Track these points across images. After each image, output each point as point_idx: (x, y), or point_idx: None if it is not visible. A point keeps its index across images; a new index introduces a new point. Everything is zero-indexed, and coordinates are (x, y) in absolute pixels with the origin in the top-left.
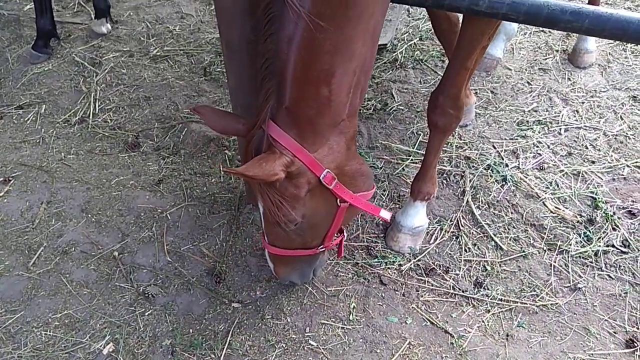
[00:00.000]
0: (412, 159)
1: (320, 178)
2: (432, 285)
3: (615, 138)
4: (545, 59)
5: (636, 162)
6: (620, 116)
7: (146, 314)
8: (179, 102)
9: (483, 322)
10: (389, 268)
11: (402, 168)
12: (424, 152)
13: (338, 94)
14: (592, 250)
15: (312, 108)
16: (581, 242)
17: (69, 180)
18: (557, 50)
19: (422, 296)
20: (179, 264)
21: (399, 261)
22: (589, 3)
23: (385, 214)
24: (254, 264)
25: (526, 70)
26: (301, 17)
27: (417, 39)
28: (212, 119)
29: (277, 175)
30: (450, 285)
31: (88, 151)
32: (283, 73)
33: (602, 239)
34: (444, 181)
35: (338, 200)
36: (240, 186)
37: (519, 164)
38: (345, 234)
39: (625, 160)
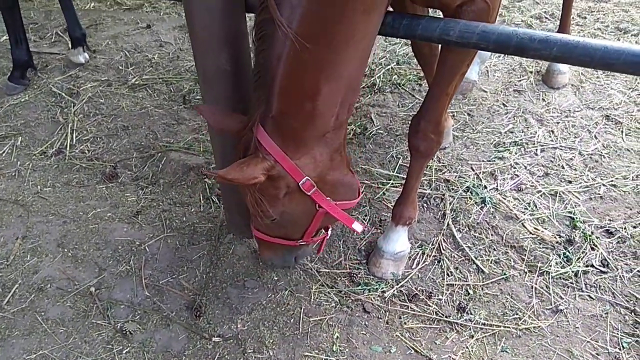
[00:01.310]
0: (392, 183)
1: (299, 184)
2: (416, 311)
3: (591, 157)
4: (520, 80)
5: (611, 180)
6: (595, 135)
7: (124, 351)
8: (157, 130)
9: (467, 348)
10: (372, 295)
11: (383, 192)
12: (405, 176)
13: (322, 109)
14: (572, 271)
15: (295, 120)
16: (561, 262)
17: (45, 214)
18: (531, 72)
19: (405, 323)
20: (158, 298)
21: (382, 287)
22: (559, 29)
23: (358, 227)
24: (235, 296)
25: (501, 92)
26: (289, 37)
27: (395, 63)
28: (213, 117)
29: (257, 179)
30: (433, 311)
31: (65, 183)
32: (271, 86)
33: (582, 259)
34: (425, 205)
35: (317, 205)
36: (220, 215)
37: (497, 186)
38: (329, 233)
39: (601, 179)
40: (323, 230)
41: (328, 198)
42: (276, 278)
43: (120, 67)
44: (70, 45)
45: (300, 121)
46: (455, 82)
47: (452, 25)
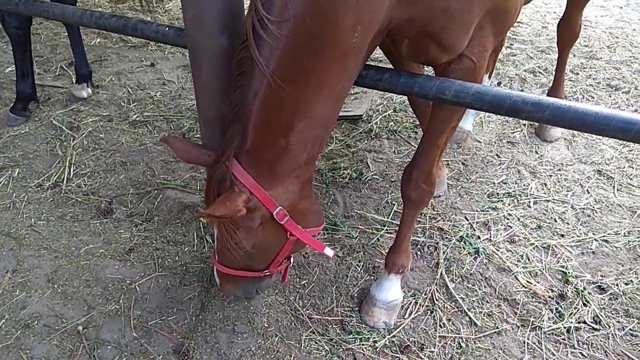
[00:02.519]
0: (386, 229)
1: (274, 214)
2: None
3: (583, 212)
4: (513, 132)
5: (603, 236)
6: (587, 190)
7: None
8: (155, 167)
9: None
10: (363, 344)
11: (377, 238)
12: (399, 223)
13: (295, 145)
14: (564, 327)
15: (269, 154)
16: (553, 318)
17: (37, 248)
18: (524, 124)
19: None
20: (145, 340)
21: (374, 337)
22: (552, 84)
23: (329, 252)
24: (224, 340)
25: (495, 143)
26: (266, 76)
27: (392, 110)
28: (180, 148)
29: (241, 212)
30: None
31: (59, 217)
32: (246, 121)
33: (574, 315)
34: (418, 252)
35: (288, 233)
36: None
37: (490, 236)
38: (291, 261)
39: (593, 234)
40: (286, 260)
41: (298, 226)
42: (267, 324)
43: (122, 103)
44: (74, 80)
45: (274, 155)
46: (445, 134)
47: (447, 85)
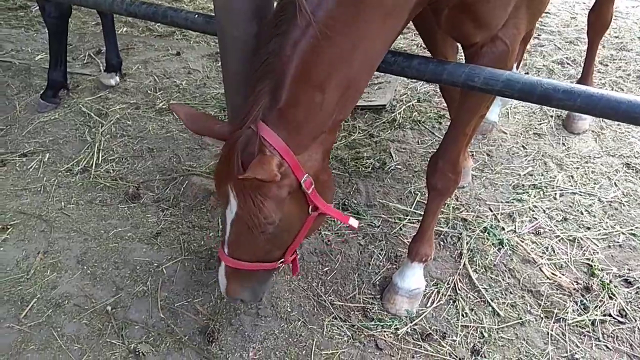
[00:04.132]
0: (409, 219)
1: (302, 182)
2: (429, 351)
3: (610, 205)
4: (540, 123)
5: (631, 229)
6: (615, 183)
7: None
8: (181, 154)
9: None
10: (385, 331)
11: (400, 227)
12: (422, 213)
13: (328, 104)
14: (589, 320)
15: (303, 112)
16: (578, 310)
17: (67, 230)
18: (551, 116)
19: None
20: (172, 321)
21: (396, 324)
22: (581, 75)
23: (354, 222)
24: (247, 323)
25: (521, 134)
26: (310, 25)
27: (415, 100)
28: (188, 118)
29: (277, 176)
30: (446, 352)
31: (88, 201)
32: (282, 73)
33: (599, 307)
34: (441, 242)
35: (310, 208)
36: None
37: (515, 228)
38: (298, 254)
39: (620, 227)
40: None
41: (321, 198)
42: (289, 309)
43: (149, 91)
44: (101, 68)
45: (306, 115)
46: (473, 123)
47: (477, 72)
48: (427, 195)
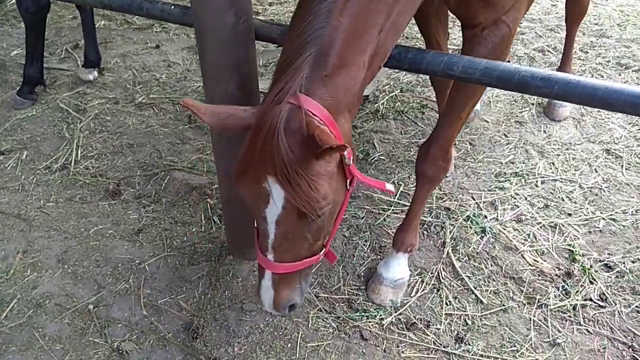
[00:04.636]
0: (393, 209)
1: (344, 154)
2: (414, 340)
3: (591, 191)
4: (521, 111)
5: (611, 215)
6: (595, 169)
7: None
8: (162, 149)
9: None
10: (370, 322)
11: (384, 218)
12: (406, 203)
13: (368, 66)
14: (571, 304)
15: (348, 78)
16: (559, 295)
17: (46, 229)
18: (532, 104)
19: (403, 352)
20: (155, 318)
21: (381, 314)
22: (561, 63)
23: (391, 187)
24: (232, 318)
25: (503, 122)
26: None
27: (398, 90)
28: (208, 114)
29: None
30: (431, 341)
31: (68, 199)
32: (332, 38)
33: (580, 292)
34: (425, 232)
35: (348, 182)
36: (221, 236)
37: (497, 216)
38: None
39: (601, 212)
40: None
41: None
42: None
43: (128, 86)
44: (79, 63)
45: (350, 79)
46: (469, 107)
47: (455, 60)
48: (412, 185)
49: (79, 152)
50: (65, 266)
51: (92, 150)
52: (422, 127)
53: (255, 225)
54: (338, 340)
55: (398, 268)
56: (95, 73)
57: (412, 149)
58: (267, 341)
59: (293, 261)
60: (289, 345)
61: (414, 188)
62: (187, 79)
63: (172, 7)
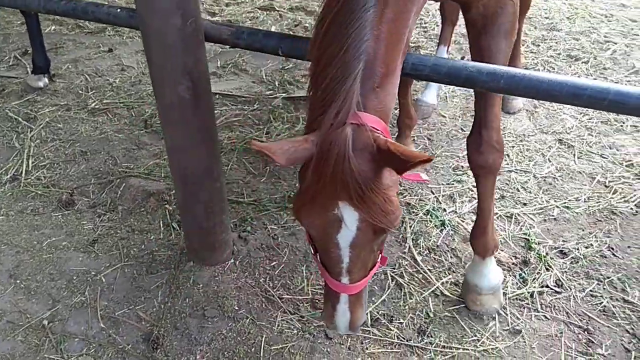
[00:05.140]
0: None
1: None
2: (377, 336)
3: (545, 180)
4: None
5: (564, 202)
6: (548, 159)
7: None
8: (117, 156)
9: None
10: None
11: None
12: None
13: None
14: (528, 292)
15: (394, 82)
16: (517, 283)
17: None
18: None
19: (367, 348)
20: (113, 331)
21: None
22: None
23: (425, 176)
24: (194, 326)
25: (459, 117)
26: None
27: None
28: (278, 154)
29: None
30: (394, 335)
31: (19, 211)
32: (376, 47)
33: (537, 279)
34: None
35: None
36: (180, 242)
37: (456, 209)
38: None
39: (555, 201)
40: None
41: None
42: (237, 307)
43: (80, 92)
44: (29, 70)
45: (394, 84)
46: None
47: (405, 58)
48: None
49: (30, 162)
50: (18, 281)
51: (43, 160)
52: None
53: (319, 253)
54: (302, 340)
55: (491, 273)
56: (46, 80)
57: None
58: (231, 347)
59: (364, 277)
60: (253, 349)
61: None
62: (142, 82)
63: (119, 10)
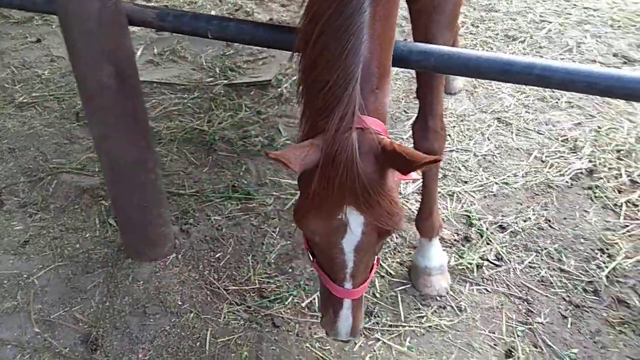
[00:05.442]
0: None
1: None
2: None
3: (484, 158)
4: None
5: (503, 179)
6: (488, 137)
7: None
8: (47, 151)
9: (374, 350)
10: (281, 308)
11: (292, 203)
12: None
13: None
14: (470, 267)
15: (388, 83)
16: (459, 259)
17: None
18: None
19: (315, 333)
20: (49, 334)
21: (294, 300)
22: None
23: (416, 175)
24: (135, 324)
25: (402, 99)
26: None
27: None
28: (292, 161)
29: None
30: None
31: None
32: (372, 48)
33: (478, 254)
34: None
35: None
36: (117, 239)
37: (400, 190)
38: None
39: (494, 178)
40: None
41: None
42: (180, 302)
43: (7, 85)
44: None
45: (389, 83)
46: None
47: None
48: None
49: None
50: None
51: None
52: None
53: (320, 260)
54: (250, 331)
55: (438, 253)
56: None
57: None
58: (174, 343)
59: (366, 280)
60: (198, 344)
61: None
62: (72, 73)
63: None
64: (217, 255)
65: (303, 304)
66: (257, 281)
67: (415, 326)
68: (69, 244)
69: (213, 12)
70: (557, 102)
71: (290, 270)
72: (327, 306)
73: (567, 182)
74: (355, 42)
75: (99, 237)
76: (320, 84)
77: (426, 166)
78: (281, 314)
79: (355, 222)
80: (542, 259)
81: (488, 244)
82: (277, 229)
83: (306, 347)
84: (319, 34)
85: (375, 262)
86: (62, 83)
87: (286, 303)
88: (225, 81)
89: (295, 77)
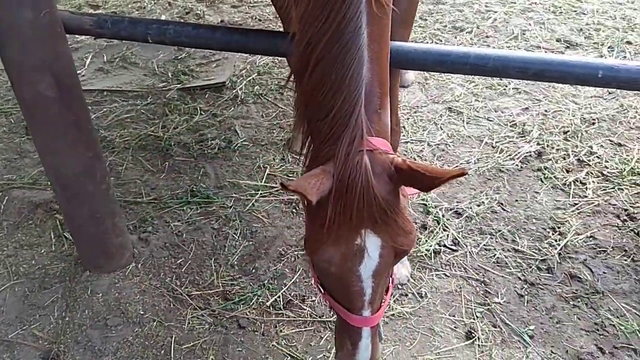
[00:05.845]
0: (261, 193)
1: None
2: (291, 317)
3: (438, 147)
4: None
5: (457, 166)
6: (440, 127)
7: None
8: None
9: None
10: (246, 309)
11: (252, 204)
12: (275, 185)
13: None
14: (428, 254)
15: (388, 102)
16: (417, 247)
17: None
18: None
19: (281, 331)
20: (8, 355)
21: (259, 300)
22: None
23: (415, 190)
24: (96, 337)
25: None
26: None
27: (256, 74)
28: (310, 192)
29: None
30: (307, 314)
31: None
32: (372, 69)
33: (435, 240)
34: (293, 210)
35: None
36: (74, 252)
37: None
38: None
39: (448, 166)
40: None
41: None
42: (142, 312)
43: None
44: None
45: (387, 103)
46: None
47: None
48: (277, 167)
49: None
50: None
51: None
52: (282, 108)
53: (333, 291)
54: (215, 334)
55: None
56: None
57: (274, 131)
58: (138, 353)
59: (382, 304)
60: (163, 352)
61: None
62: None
63: None
64: (178, 262)
65: (268, 303)
66: (220, 284)
67: None
68: (24, 261)
69: (163, 17)
70: (504, 89)
71: (253, 270)
72: (343, 338)
73: (517, 165)
74: (357, 65)
75: (55, 252)
76: (324, 110)
77: (452, 180)
78: (246, 315)
79: (373, 245)
80: (496, 241)
81: (444, 230)
82: (239, 231)
83: (272, 345)
84: (318, 60)
85: (390, 283)
86: (9, 96)
87: (251, 304)
88: (178, 85)
89: (250, 78)
